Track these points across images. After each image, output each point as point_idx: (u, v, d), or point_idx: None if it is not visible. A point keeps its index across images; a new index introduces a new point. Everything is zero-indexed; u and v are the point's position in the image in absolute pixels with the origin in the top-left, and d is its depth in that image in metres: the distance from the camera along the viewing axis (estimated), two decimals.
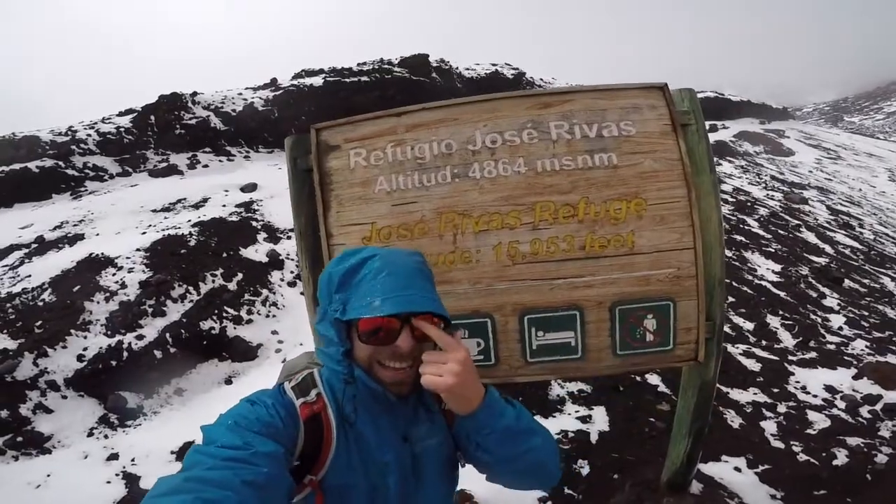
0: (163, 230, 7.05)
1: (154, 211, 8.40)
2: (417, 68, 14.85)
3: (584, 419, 3.22)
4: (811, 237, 9.78)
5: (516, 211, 1.90)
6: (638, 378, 3.65)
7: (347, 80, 14.16)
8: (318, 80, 14.17)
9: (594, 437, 3.01)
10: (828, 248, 9.26)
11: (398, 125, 2.04)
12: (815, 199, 13.39)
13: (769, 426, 3.18)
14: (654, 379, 3.66)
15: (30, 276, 6.18)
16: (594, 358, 1.90)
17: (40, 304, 5.51)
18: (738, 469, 2.63)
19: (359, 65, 15.00)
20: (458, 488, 2.46)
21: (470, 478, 2.44)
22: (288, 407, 0.87)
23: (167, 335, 5.20)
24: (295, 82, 14.30)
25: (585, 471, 2.68)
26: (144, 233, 7.25)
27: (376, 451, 0.90)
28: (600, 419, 3.20)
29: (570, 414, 3.31)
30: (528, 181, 1.90)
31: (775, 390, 3.76)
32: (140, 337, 5.11)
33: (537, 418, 3.26)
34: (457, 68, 16.87)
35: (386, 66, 14.75)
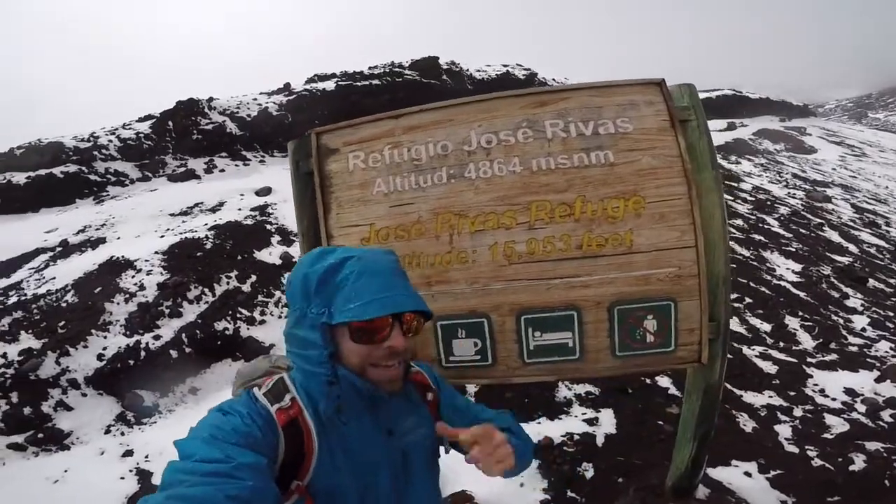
0: (180, 234, 7.23)
1: (172, 215, 8.62)
2: (427, 71, 14.93)
3: (591, 421, 3.17)
4: (834, 236, 9.47)
5: (512, 211, 1.89)
6: (647, 380, 3.58)
7: (358, 83, 14.33)
8: (330, 85, 14.37)
9: (600, 440, 2.97)
10: (852, 247, 8.95)
11: (395, 127, 2.05)
12: (838, 198, 12.96)
13: (784, 430, 3.08)
14: (664, 381, 3.59)
15: (54, 278, 6.41)
16: (593, 359, 1.87)
17: (63, 305, 5.71)
18: (748, 474, 2.55)
19: (370, 68, 15.15)
20: (459, 489, 2.47)
21: (470, 478, 2.45)
22: (263, 414, 0.85)
23: (183, 335, 5.33)
24: (308, 87, 14.53)
25: (590, 474, 2.64)
26: (163, 236, 7.44)
27: (363, 450, 0.90)
28: (607, 422, 3.15)
29: (576, 416, 3.27)
30: (523, 180, 1.89)
31: (792, 393, 3.64)
32: (157, 337, 5.25)
33: (543, 420, 3.20)
34: (467, 70, 16.88)
35: (396, 70, 14.86)
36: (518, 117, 1.94)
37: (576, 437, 3.02)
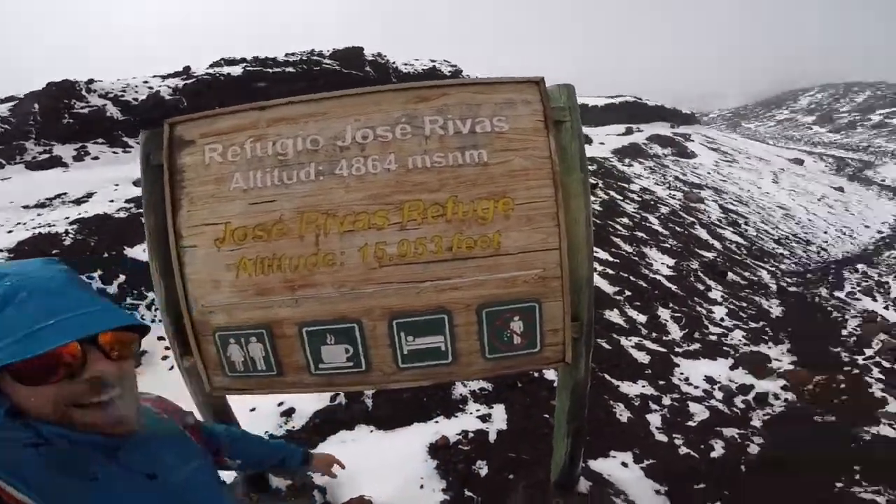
0: (33, 228, 6.20)
1: (25, 207, 7.38)
2: (350, 61, 14.45)
3: (484, 418, 3.21)
4: (703, 233, 10.80)
5: (384, 210, 1.80)
6: (536, 374, 3.72)
7: (271, 70, 13.40)
8: (237, 70, 13.27)
9: (493, 437, 3.01)
10: (717, 244, 10.27)
11: (260, 119, 1.87)
12: (710, 199, 14.84)
13: (654, 419, 3.34)
14: (550, 374, 3.75)
15: None
16: (465, 362, 1.85)
17: None
18: (625, 464, 2.70)
19: (286, 55, 14.25)
20: (358, 494, 2.34)
21: (368, 482, 2.32)
22: None
23: None
24: (211, 71, 13.27)
25: (484, 472, 2.66)
26: (11, 231, 6.34)
27: None
28: (499, 418, 3.21)
29: (471, 413, 3.30)
30: (397, 179, 1.81)
31: (661, 382, 4.00)
32: None
33: (441, 419, 3.13)
34: (394, 63, 16.59)
35: (315, 58, 14.16)
36: (398, 112, 1.84)
37: (470, 434, 3.03)
